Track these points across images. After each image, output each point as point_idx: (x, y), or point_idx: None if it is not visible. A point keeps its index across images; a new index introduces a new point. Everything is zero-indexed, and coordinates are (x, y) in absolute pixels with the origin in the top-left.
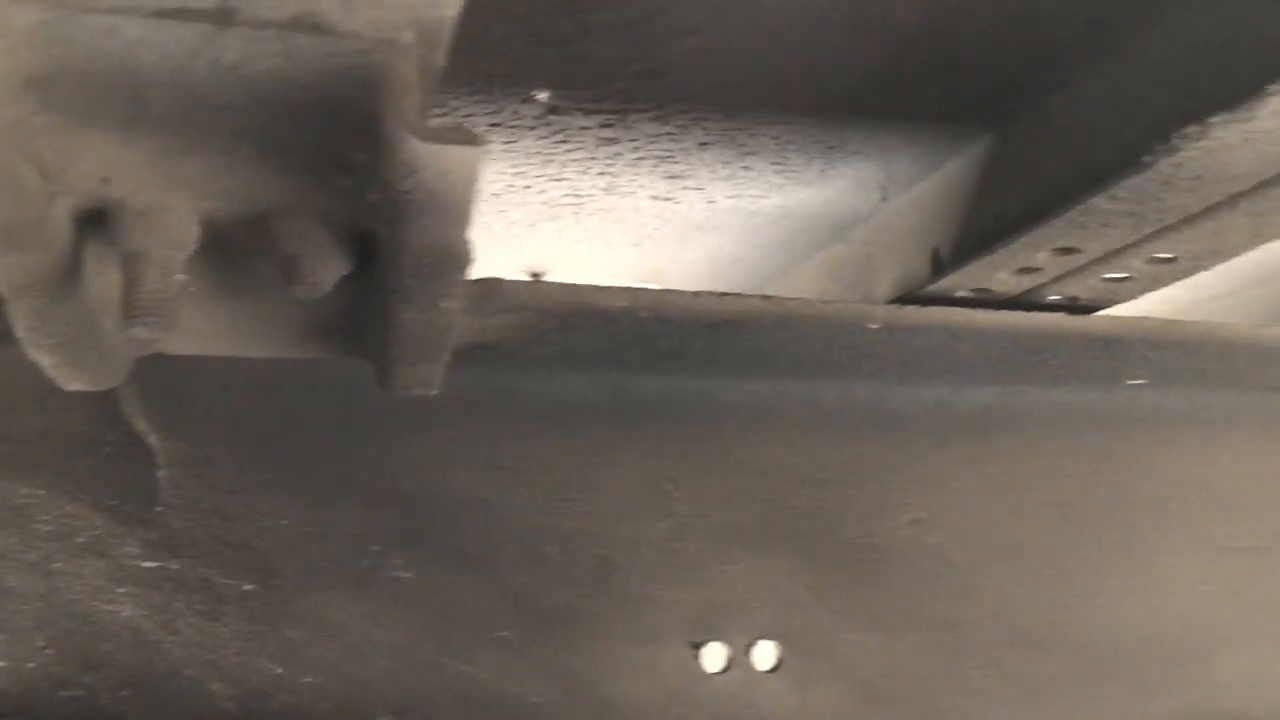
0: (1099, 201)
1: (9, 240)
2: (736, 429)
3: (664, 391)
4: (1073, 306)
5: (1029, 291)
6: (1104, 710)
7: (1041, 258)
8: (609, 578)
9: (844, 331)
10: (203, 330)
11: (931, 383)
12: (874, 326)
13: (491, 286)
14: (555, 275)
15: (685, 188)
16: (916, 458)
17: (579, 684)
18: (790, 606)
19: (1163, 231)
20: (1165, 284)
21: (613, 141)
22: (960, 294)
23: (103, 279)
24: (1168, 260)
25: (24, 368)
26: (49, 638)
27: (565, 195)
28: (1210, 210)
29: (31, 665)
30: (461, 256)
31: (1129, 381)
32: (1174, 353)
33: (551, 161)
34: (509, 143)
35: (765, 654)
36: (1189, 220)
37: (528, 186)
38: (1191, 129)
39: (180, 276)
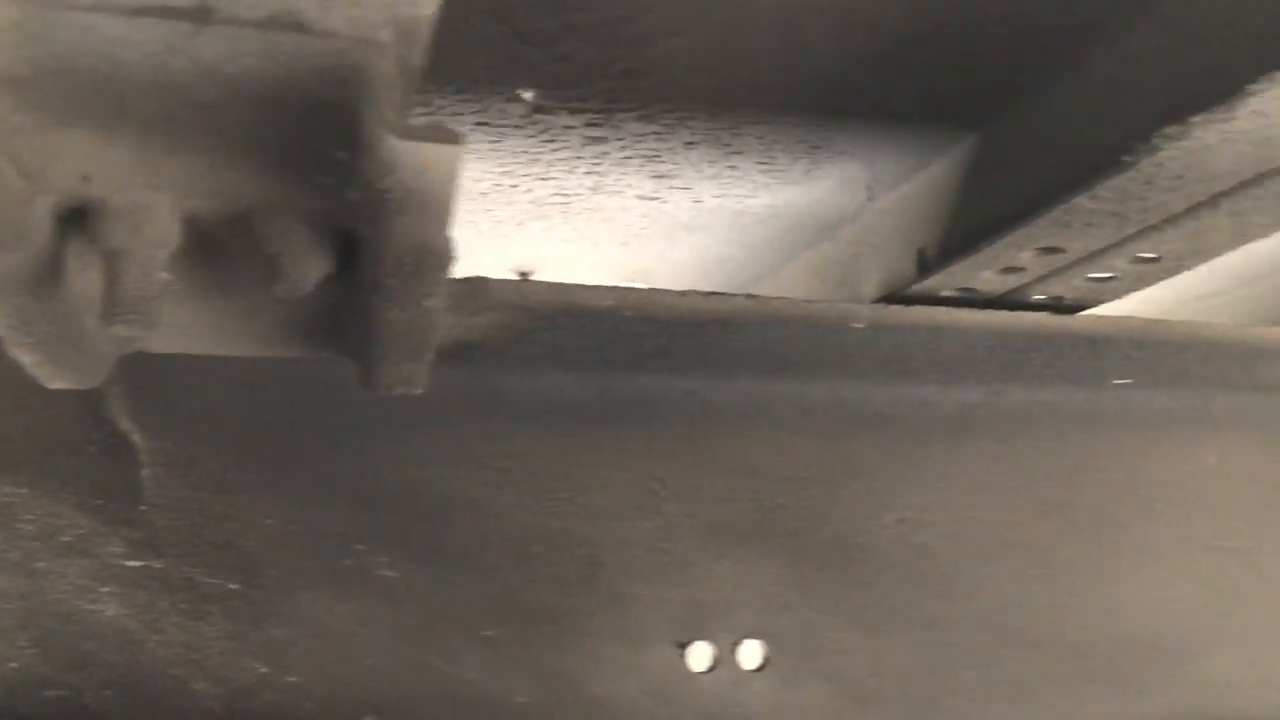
0: (1082, 201)
1: None
2: (723, 428)
3: (650, 391)
4: (1058, 306)
5: (1014, 291)
6: (1089, 709)
7: (1025, 257)
8: (596, 577)
9: (829, 331)
10: (185, 329)
11: (917, 382)
12: (859, 326)
13: (476, 285)
14: (543, 274)
15: (672, 187)
16: (902, 457)
17: (565, 683)
18: (776, 605)
19: (1146, 231)
20: (1149, 284)
21: (599, 141)
22: (945, 293)
23: (84, 277)
24: (1151, 260)
25: (6, 366)
26: (32, 637)
27: (552, 194)
28: (1192, 210)
29: (14, 665)
30: (442, 255)
31: (1114, 381)
32: (1159, 352)
33: (538, 160)
34: (495, 142)
35: (751, 653)
36: (1171, 220)
37: (514, 185)
38: (1172, 129)
39: (162, 275)
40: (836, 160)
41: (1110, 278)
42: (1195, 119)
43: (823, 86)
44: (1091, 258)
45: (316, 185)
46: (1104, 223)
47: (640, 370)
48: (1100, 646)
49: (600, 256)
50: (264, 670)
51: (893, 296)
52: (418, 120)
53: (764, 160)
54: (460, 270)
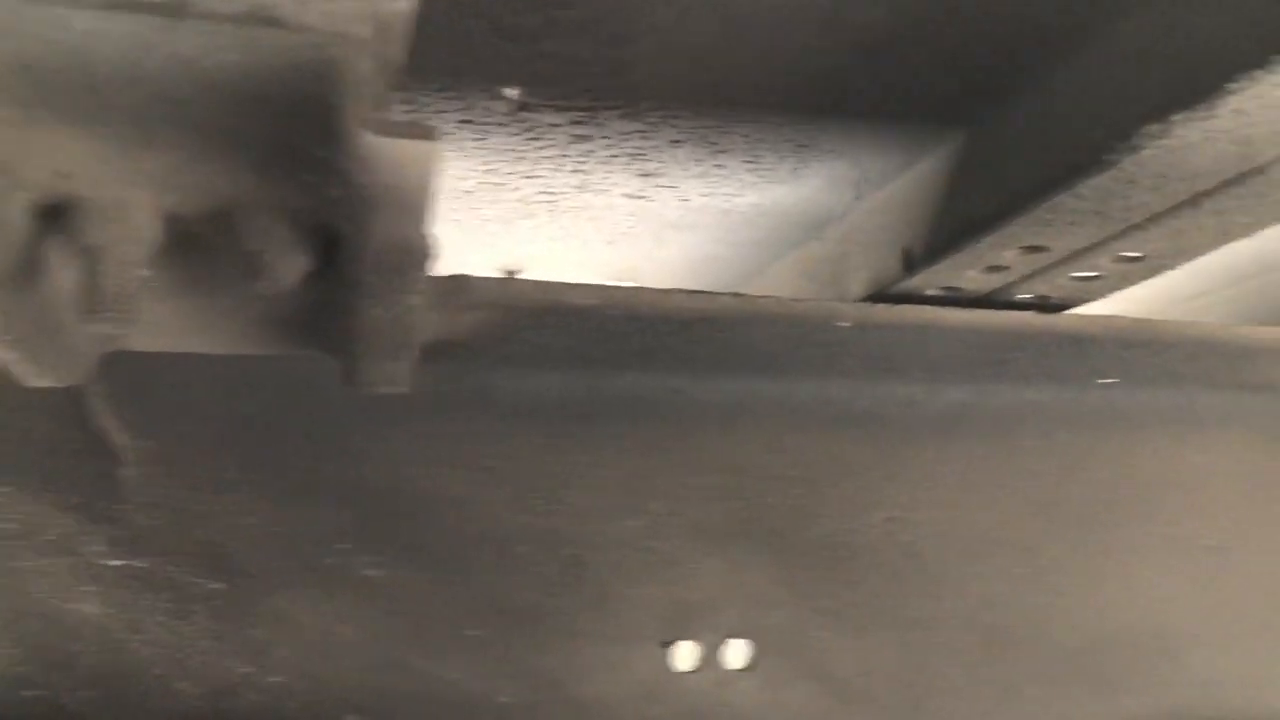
0: (1065, 200)
1: None
2: (709, 427)
3: (636, 389)
4: (1044, 305)
5: (999, 290)
6: (1076, 708)
7: (1009, 256)
8: (580, 576)
9: (815, 329)
10: (166, 326)
11: (903, 381)
12: (844, 325)
13: (460, 283)
14: (531, 273)
15: (658, 186)
16: (889, 456)
17: (549, 683)
18: (762, 605)
19: (1129, 230)
20: (1134, 283)
21: (585, 139)
22: (930, 293)
23: (63, 274)
24: (1135, 259)
25: None
26: (13, 637)
27: (539, 193)
28: (1175, 209)
29: None
30: (421, 251)
31: (1100, 380)
32: (1145, 352)
33: (524, 159)
34: (480, 140)
35: (737, 652)
36: (1154, 219)
37: (500, 184)
38: (1153, 127)
39: (141, 272)
40: (824, 159)
41: (1095, 277)
42: (1176, 117)
43: (810, 85)
44: (1075, 257)
45: (296, 182)
46: (1087, 221)
47: (626, 369)
48: (1087, 645)
49: (587, 255)
50: (246, 670)
51: (879, 295)
52: (398, 116)
53: (751, 159)
54: (446, 268)
